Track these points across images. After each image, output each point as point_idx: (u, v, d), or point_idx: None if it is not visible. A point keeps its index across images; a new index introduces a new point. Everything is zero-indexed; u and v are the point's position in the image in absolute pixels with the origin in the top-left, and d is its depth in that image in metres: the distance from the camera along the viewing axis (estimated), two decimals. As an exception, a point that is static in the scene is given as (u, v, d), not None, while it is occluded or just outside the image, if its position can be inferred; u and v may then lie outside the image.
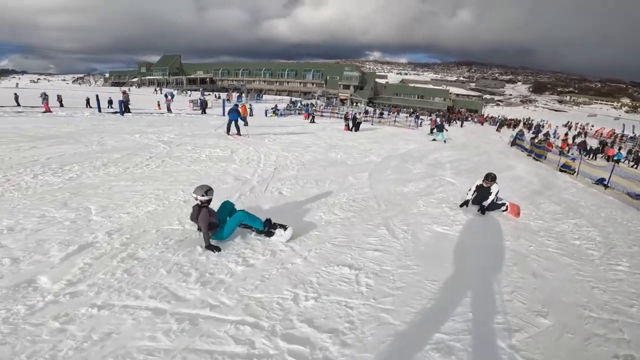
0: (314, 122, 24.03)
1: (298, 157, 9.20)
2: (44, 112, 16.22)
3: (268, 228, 4.07)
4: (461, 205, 5.97)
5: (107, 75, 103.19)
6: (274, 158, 8.76)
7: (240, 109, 13.82)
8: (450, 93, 76.74)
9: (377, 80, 78.36)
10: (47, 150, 7.62)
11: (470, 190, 6.01)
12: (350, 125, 19.81)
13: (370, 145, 13.39)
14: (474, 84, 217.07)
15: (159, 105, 26.58)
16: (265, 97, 50.82)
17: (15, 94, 22.28)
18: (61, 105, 21.92)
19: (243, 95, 46.87)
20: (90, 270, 3.09)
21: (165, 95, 29.91)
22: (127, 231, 3.90)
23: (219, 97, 40.59)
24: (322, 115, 30.89)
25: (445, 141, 17.69)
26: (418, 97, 67.36)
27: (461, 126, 34.67)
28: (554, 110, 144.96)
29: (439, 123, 19.29)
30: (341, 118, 30.46)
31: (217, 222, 3.81)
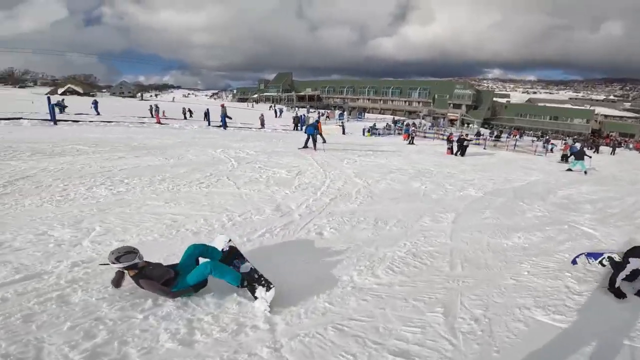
0: (412, 143, 21.87)
1: (370, 185, 7.64)
2: (155, 123, 18.72)
3: (247, 283, 2.90)
4: (617, 294, 3.47)
5: (234, 91, 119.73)
6: (339, 185, 7.43)
7: (318, 124, 13.91)
8: (597, 114, 62.27)
9: (496, 99, 69.52)
10: (130, 161, 8.02)
11: (626, 266, 3.48)
12: (455, 148, 17.06)
13: (474, 174, 10.75)
14: (628, 103, 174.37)
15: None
16: (367, 115, 50.21)
17: (156, 105, 26.65)
18: (190, 117, 25.41)
19: (345, 113, 47.20)
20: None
21: (276, 112, 32.16)
22: (93, 266, 3.16)
23: (323, 114, 41.83)
24: (424, 137, 28.23)
25: (585, 172, 13.38)
26: (550, 119, 56.72)
27: (612, 153, 27.07)
28: None
29: (578, 149, 14.74)
30: (444, 140, 27.34)
31: (171, 273, 2.87)
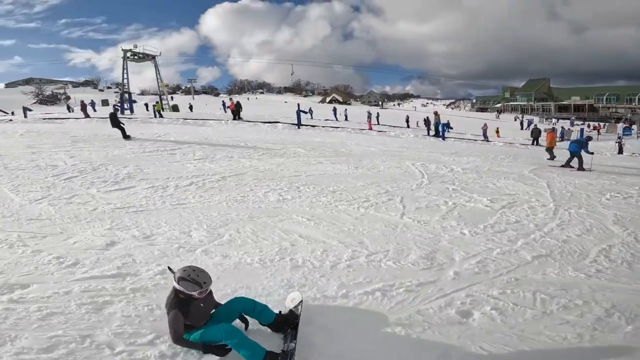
0: None
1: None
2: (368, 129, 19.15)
3: None
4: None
5: (474, 100, 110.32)
6: (573, 231, 4.30)
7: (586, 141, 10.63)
8: None
9: None
10: (323, 167, 8.16)
11: None
12: None
13: None
14: None
15: (497, 133, 23.65)
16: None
17: (368, 112, 27.54)
18: (408, 127, 25.29)
19: (635, 127, 32.45)
20: None
21: (522, 123, 26.40)
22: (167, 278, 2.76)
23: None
24: None
25: None
26: None
27: None
28: None
29: None
30: None
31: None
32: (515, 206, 5.54)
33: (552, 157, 11.19)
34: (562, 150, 11.67)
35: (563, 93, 67.16)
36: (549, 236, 4.25)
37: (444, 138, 16.79)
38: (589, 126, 38.28)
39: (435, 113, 18.27)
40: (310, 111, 21.48)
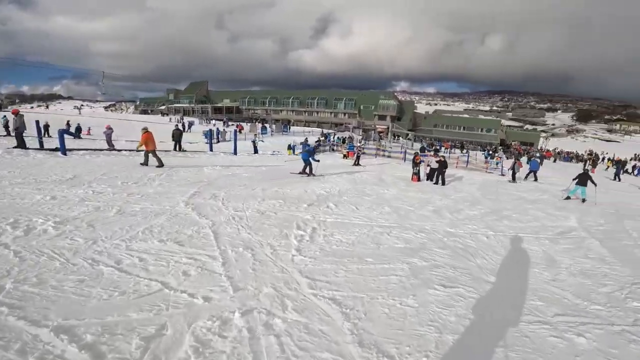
0: (358, 164, 17.58)
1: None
2: None
3: None
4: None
5: (137, 102, 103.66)
6: None
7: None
8: (502, 125, 68.66)
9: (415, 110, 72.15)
10: None
11: None
12: (422, 174, 13.29)
13: (492, 221, 6.49)
14: (510, 113, 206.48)
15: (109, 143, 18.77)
16: (293, 128, 45.39)
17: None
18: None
19: (267, 126, 41.69)
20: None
21: (184, 125, 24.80)
22: None
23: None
24: (363, 153, 24.52)
25: (584, 200, 10.71)
26: (463, 129, 60.06)
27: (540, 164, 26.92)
28: (605, 140, 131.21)
29: (584, 172, 11.74)
30: (389, 157, 23.96)
31: None
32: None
33: (146, 163, 10.15)
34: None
35: (217, 96, 76.81)
36: None
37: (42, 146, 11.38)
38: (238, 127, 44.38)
39: (15, 112, 11.46)
40: None
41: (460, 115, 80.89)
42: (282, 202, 7.10)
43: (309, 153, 11.53)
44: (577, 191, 11.11)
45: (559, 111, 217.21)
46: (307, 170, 11.41)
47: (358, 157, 18.26)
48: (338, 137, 32.95)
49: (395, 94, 71.31)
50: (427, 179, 13.25)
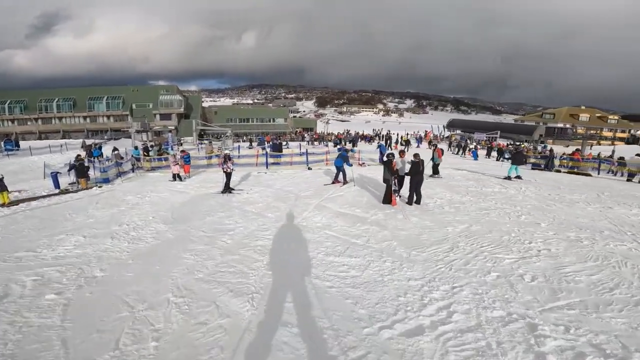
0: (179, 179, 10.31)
1: None
2: None
3: None
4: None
5: None
6: None
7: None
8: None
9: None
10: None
11: None
12: (389, 185, 8.48)
13: None
14: (271, 104, 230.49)
15: None
16: (22, 143, 27.25)
17: None
18: None
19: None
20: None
21: None
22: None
23: None
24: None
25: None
26: (257, 121, 58.37)
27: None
28: (340, 120, 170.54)
29: (515, 150, 10.63)
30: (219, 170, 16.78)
31: None
32: None
33: None
34: None
35: None
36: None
37: None
38: None
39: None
40: None
41: (251, 108, 79.78)
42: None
43: (343, 159, 10.42)
44: (512, 170, 11.90)
45: (303, 100, 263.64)
46: (341, 178, 10.47)
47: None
48: (151, 145, 21.05)
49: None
50: (398, 195, 8.58)
